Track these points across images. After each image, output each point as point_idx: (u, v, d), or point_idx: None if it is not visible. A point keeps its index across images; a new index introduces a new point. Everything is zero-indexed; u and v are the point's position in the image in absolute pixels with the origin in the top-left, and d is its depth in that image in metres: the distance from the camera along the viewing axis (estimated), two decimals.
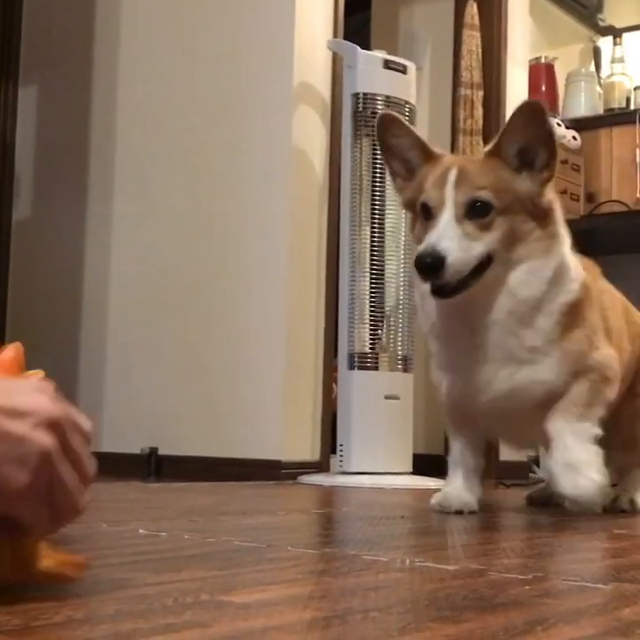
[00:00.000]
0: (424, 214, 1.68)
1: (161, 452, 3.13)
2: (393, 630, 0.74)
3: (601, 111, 4.44)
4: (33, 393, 0.81)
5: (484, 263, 1.63)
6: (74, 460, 0.82)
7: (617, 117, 4.34)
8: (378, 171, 2.97)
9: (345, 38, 3.14)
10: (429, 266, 1.57)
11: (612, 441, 1.77)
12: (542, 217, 1.69)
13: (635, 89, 4.38)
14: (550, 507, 1.95)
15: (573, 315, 1.72)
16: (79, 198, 3.55)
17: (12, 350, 0.88)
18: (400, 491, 2.59)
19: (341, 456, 2.89)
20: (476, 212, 1.64)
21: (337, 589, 0.93)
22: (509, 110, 3.63)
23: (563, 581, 1.00)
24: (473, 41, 3.59)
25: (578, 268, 1.75)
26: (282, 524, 1.62)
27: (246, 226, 3.09)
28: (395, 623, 0.77)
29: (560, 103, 4.47)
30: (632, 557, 1.24)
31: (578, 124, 4.39)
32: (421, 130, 3.30)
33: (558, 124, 4.28)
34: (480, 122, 3.57)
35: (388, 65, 3.00)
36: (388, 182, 2.98)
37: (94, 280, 3.48)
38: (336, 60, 3.12)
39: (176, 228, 3.29)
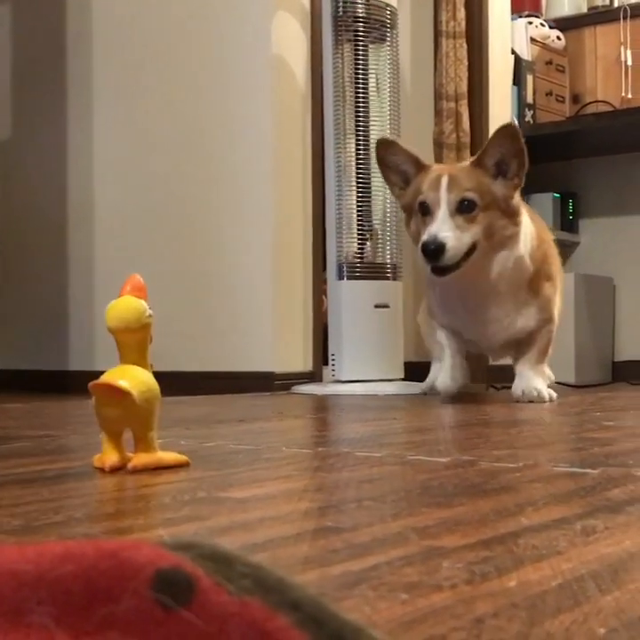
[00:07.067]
0: (422, 211, 2.14)
1: (153, 368, 3.14)
2: (387, 516, 0.76)
3: (585, 9, 4.36)
4: None
5: (470, 250, 2.09)
6: None
7: (601, 15, 4.26)
8: (360, 79, 2.92)
9: None
10: (433, 251, 2.02)
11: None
12: (512, 215, 2.16)
13: None
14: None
15: (535, 282, 2.30)
16: (58, 116, 3.50)
17: (139, 277, 1.09)
18: (392, 396, 2.62)
19: (333, 366, 2.91)
20: (464, 208, 2.10)
21: (331, 483, 0.95)
22: (492, 12, 3.59)
23: (552, 468, 1.02)
24: None
25: (532, 244, 2.25)
26: (276, 428, 1.65)
27: (228, 137, 3.06)
28: (389, 510, 0.79)
29: (543, 2, 4.39)
30: (620, 445, 1.27)
31: (562, 24, 4.31)
32: (403, 33, 3.24)
33: (542, 25, 4.21)
34: (463, 24, 3.49)
35: None
36: (371, 92, 2.94)
37: (79, 197, 3.46)
38: None
39: (158, 141, 3.25)
